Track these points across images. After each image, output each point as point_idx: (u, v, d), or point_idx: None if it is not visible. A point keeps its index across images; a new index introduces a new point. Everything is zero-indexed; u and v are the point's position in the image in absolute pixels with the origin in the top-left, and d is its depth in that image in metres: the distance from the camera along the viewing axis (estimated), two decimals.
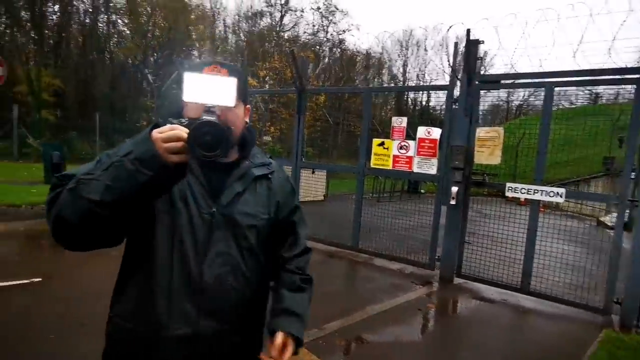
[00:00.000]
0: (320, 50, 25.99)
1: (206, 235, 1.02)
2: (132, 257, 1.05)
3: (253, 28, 25.71)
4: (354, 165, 6.25)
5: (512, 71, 4.73)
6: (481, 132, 4.85)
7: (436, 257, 5.33)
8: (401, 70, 31.34)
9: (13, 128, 14.68)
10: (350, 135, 9.47)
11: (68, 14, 20.01)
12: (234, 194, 1.07)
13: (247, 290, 1.07)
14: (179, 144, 0.79)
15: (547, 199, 4.42)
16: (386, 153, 5.57)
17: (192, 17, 22.52)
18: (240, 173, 1.11)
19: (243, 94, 1.08)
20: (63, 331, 2.98)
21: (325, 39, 26.98)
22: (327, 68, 23.02)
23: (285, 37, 25.95)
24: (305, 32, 27.15)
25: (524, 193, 4.54)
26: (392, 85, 28.42)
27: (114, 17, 21.55)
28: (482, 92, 5.05)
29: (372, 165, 5.74)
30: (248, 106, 1.13)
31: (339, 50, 26.87)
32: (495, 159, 4.78)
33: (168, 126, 0.81)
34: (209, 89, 0.85)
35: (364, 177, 5.99)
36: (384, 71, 30.55)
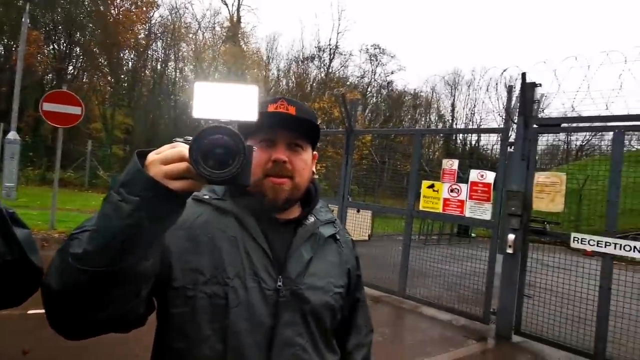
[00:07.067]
0: (368, 92, 26.63)
1: (270, 320, 0.78)
2: (164, 351, 0.80)
3: (303, 71, 27.09)
4: (400, 205, 6.12)
5: (574, 114, 4.49)
6: (540, 177, 4.56)
7: (491, 310, 4.91)
8: (449, 110, 31.13)
9: (86, 160, 16.33)
10: (396, 174, 9.37)
11: (143, 60, 22.48)
12: (304, 262, 0.84)
13: None
14: (182, 165, 0.60)
15: (622, 253, 3.96)
16: (436, 196, 5.41)
17: (249, 62, 24.29)
18: (308, 233, 0.89)
19: (314, 138, 0.92)
20: None
21: (373, 80, 27.72)
22: (375, 108, 23.43)
23: (334, 79, 27.01)
24: (352, 75, 28.17)
25: (593, 245, 4.13)
26: (440, 124, 28.13)
27: (181, 64, 23.94)
28: (539, 135, 4.82)
29: (421, 208, 5.60)
30: (315, 153, 0.96)
31: (386, 91, 27.37)
32: (557, 206, 4.43)
33: (168, 145, 0.64)
34: (225, 102, 0.66)
35: (412, 219, 5.82)
36: (431, 110, 30.47)
